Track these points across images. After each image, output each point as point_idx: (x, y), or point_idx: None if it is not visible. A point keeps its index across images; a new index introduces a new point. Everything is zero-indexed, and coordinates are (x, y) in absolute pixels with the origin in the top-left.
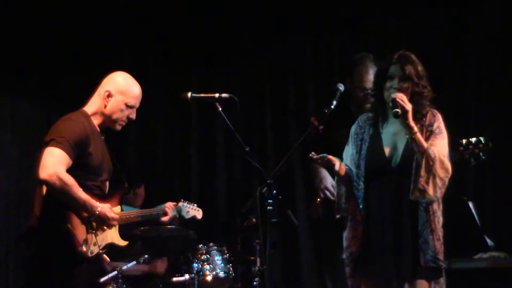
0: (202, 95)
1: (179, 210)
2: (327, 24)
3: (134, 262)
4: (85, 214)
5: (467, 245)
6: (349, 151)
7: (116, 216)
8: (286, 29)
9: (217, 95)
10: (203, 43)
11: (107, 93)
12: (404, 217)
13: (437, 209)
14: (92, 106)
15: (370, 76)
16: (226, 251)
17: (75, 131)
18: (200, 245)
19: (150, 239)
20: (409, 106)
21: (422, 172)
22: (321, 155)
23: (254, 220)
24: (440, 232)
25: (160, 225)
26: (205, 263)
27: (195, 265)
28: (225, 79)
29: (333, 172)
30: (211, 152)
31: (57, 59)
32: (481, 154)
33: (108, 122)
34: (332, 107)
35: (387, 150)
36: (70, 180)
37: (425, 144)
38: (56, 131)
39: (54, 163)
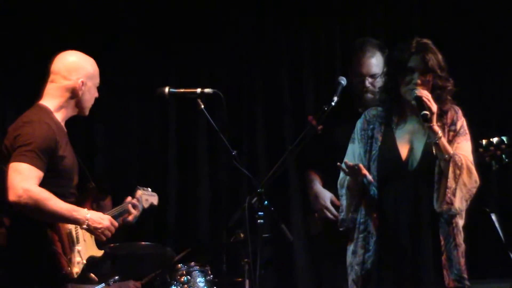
0: (182, 90)
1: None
2: (327, 8)
3: (103, 285)
4: (67, 228)
5: (489, 264)
6: (355, 150)
7: (115, 223)
8: (279, 14)
9: (199, 90)
10: (183, 30)
11: (81, 82)
12: (423, 229)
13: (459, 221)
14: (53, 100)
15: (371, 61)
16: (209, 272)
17: (41, 137)
18: (179, 265)
19: (121, 257)
20: (435, 107)
21: (449, 182)
22: (350, 163)
23: (242, 235)
24: (463, 247)
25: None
26: (185, 286)
27: None
28: (209, 72)
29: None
30: (192, 156)
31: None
32: (504, 156)
33: (79, 112)
34: (333, 103)
35: (403, 152)
36: (44, 193)
37: (450, 150)
38: (19, 139)
39: (20, 180)
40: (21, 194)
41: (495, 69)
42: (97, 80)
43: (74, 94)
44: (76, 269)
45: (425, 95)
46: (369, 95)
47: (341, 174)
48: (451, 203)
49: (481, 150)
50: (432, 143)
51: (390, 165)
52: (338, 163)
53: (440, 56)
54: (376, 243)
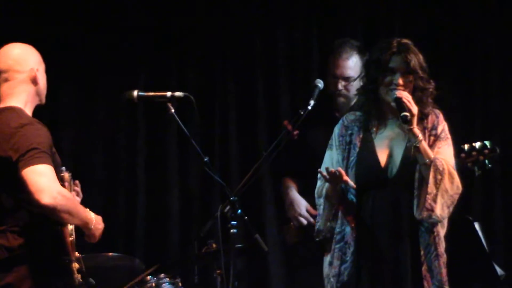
0: (151, 93)
1: None
2: (303, 6)
3: None
4: (71, 235)
5: (473, 274)
6: (333, 156)
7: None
8: (252, 14)
9: (169, 93)
10: (153, 31)
11: (36, 70)
12: (403, 239)
13: (441, 230)
14: (18, 97)
15: (347, 63)
16: (180, 284)
17: (42, 136)
18: (148, 277)
19: (88, 269)
20: (415, 109)
21: (429, 187)
22: (332, 169)
23: (214, 246)
24: (445, 257)
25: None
26: None
27: None
28: (179, 75)
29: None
30: (161, 163)
31: None
32: (487, 162)
33: (39, 101)
34: (310, 108)
35: (382, 158)
36: (69, 194)
37: (431, 154)
38: (21, 146)
39: (49, 182)
40: (56, 195)
41: (478, 71)
42: (43, 65)
43: (34, 84)
44: (78, 278)
45: (405, 96)
46: (342, 99)
47: (319, 182)
48: (432, 210)
49: (463, 155)
50: (413, 146)
51: (369, 173)
52: (319, 169)
53: (421, 57)
54: (353, 254)
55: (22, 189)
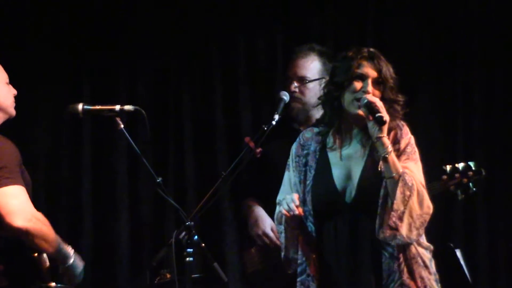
0: (98, 107)
1: None
2: (266, 10)
3: None
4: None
5: None
6: (291, 178)
7: None
8: (210, 18)
9: (118, 107)
10: (99, 38)
11: None
12: (364, 268)
13: (418, 254)
14: None
15: (301, 62)
16: None
17: (11, 155)
18: None
19: None
20: (387, 117)
21: (396, 204)
22: (295, 211)
23: (168, 275)
24: (427, 282)
25: None
26: None
27: None
28: (129, 87)
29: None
30: (110, 184)
31: None
32: (471, 185)
33: (6, 114)
34: (274, 122)
35: (338, 181)
36: (45, 219)
37: (400, 168)
38: None
39: (21, 204)
40: (30, 218)
41: (460, 83)
42: (3, 75)
43: None
44: None
45: (378, 101)
46: (297, 105)
47: (277, 208)
48: (396, 229)
49: (444, 177)
50: (381, 157)
51: (326, 198)
52: (282, 200)
53: (391, 68)
54: None
55: None
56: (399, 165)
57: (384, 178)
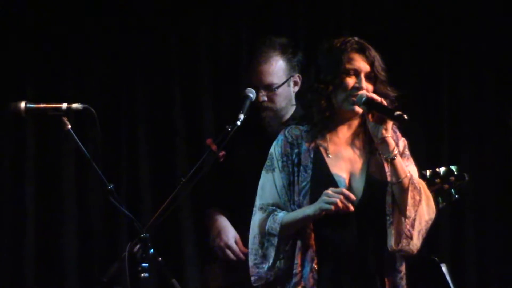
0: (42, 105)
1: None
2: None
3: None
4: None
5: None
6: (277, 180)
7: None
8: (169, 7)
9: (65, 105)
10: (44, 30)
11: None
12: (370, 281)
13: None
14: None
15: (264, 68)
16: None
17: None
18: None
19: None
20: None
21: (408, 210)
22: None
23: None
24: None
25: None
26: None
27: None
28: (77, 83)
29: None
30: (55, 191)
31: None
32: (453, 191)
33: None
34: (239, 123)
35: (341, 184)
36: None
37: (407, 170)
38: None
39: None
40: None
41: (445, 79)
42: None
43: None
44: None
45: (378, 97)
46: (268, 114)
47: (260, 214)
48: (411, 237)
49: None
50: (388, 160)
51: None
52: (344, 190)
53: (380, 59)
54: None
55: None
56: (405, 168)
57: (390, 182)
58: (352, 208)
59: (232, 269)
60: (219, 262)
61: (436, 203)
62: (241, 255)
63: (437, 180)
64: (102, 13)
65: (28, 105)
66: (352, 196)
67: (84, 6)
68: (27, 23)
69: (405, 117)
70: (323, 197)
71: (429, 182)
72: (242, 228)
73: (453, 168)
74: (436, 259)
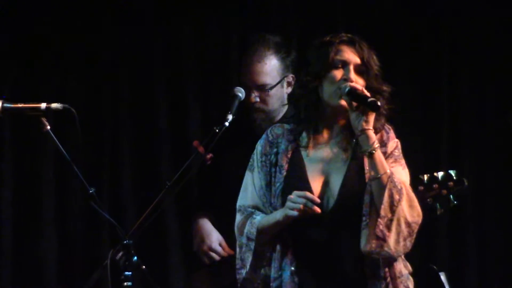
0: (20, 105)
1: None
2: None
3: None
4: None
5: None
6: (255, 180)
7: None
8: (152, 5)
9: (43, 105)
10: (22, 28)
11: None
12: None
13: (402, 274)
14: None
15: (258, 67)
16: None
17: None
18: None
19: None
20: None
21: (383, 209)
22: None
23: None
24: None
25: None
26: None
27: None
28: (57, 81)
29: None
30: (34, 194)
31: None
32: (451, 197)
33: None
34: (227, 124)
35: (315, 186)
36: None
37: (387, 167)
38: None
39: None
40: None
41: (445, 77)
42: None
43: None
44: None
45: (363, 88)
46: (260, 115)
47: (238, 216)
48: (383, 239)
49: (421, 188)
50: (366, 154)
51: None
52: (307, 194)
53: (374, 55)
54: None
55: None
56: (386, 164)
57: (368, 179)
58: (318, 210)
59: (220, 274)
60: (206, 268)
61: (434, 209)
62: (226, 256)
63: (435, 185)
64: (85, 12)
65: (5, 104)
66: (316, 199)
67: (65, 5)
68: (6, 21)
69: (378, 103)
70: (288, 202)
71: (426, 187)
72: (230, 232)
73: (452, 172)
74: (435, 267)
